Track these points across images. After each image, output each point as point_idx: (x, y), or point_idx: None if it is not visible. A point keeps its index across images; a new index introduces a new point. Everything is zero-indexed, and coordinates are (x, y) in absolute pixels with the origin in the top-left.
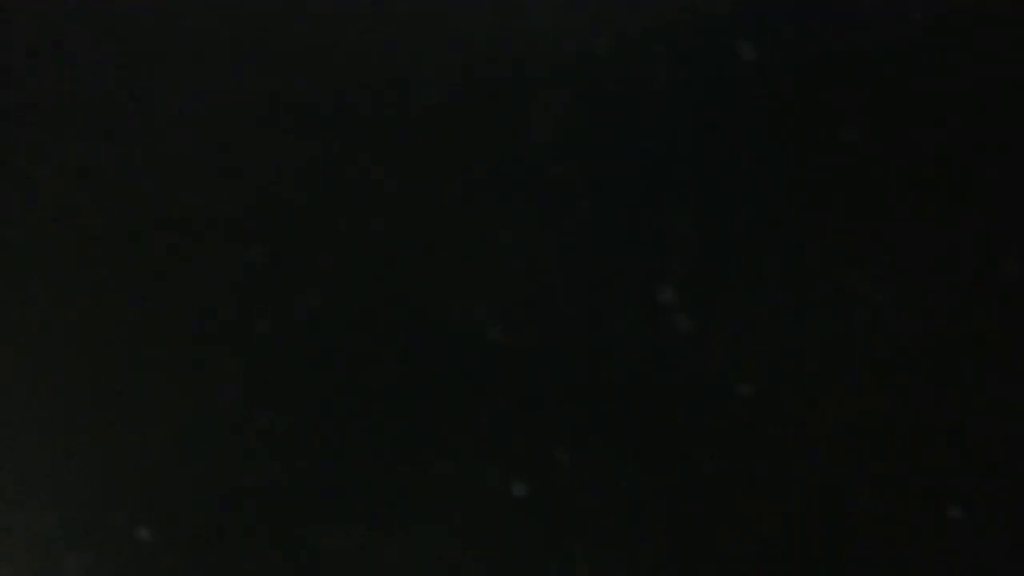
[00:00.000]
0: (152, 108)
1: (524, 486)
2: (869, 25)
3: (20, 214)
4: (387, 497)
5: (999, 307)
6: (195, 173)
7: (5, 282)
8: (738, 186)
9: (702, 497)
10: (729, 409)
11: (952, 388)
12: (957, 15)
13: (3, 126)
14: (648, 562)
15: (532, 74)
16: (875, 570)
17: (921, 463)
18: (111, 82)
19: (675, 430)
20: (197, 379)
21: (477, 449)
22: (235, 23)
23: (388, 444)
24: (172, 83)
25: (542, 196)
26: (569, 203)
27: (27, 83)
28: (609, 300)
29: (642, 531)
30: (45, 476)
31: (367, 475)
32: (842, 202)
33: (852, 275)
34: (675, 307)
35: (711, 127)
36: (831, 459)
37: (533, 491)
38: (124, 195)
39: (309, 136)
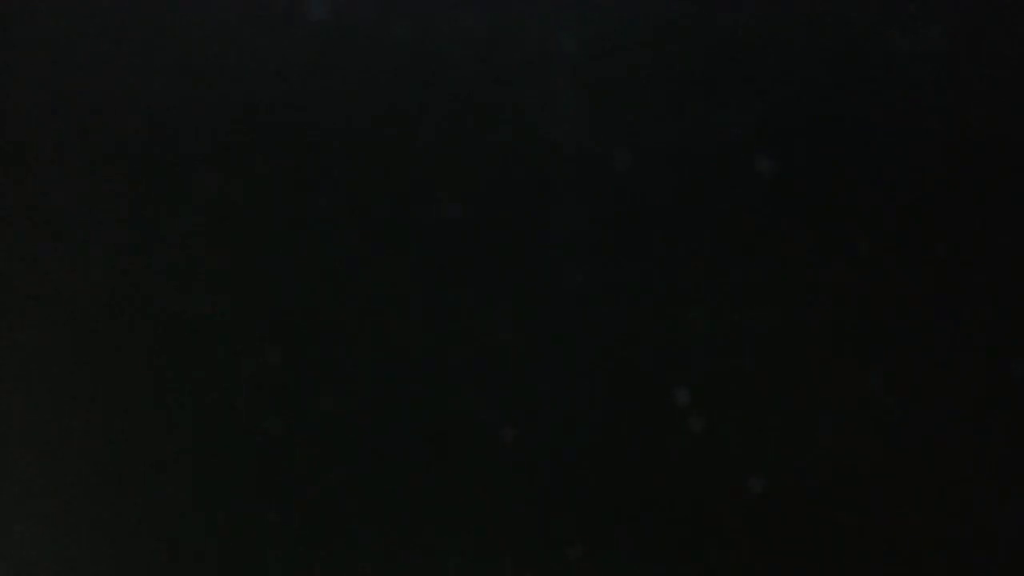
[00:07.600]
0: (170, 211)
1: None
2: (884, 140)
3: (33, 316)
4: None
5: (1003, 406)
6: (207, 272)
7: (13, 378)
8: (752, 293)
9: None
10: (741, 505)
11: (956, 483)
12: (970, 131)
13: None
14: None
15: (551, 188)
16: None
17: (927, 555)
18: (122, 192)
19: (686, 526)
20: (208, 478)
21: (489, 545)
22: (257, 138)
23: (400, 541)
24: (184, 187)
25: (559, 301)
26: (586, 308)
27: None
28: (624, 401)
29: None
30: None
31: (380, 572)
32: (851, 306)
33: (860, 375)
34: (689, 407)
35: (727, 237)
36: (842, 553)
37: None
38: (134, 291)
39: (326, 241)
